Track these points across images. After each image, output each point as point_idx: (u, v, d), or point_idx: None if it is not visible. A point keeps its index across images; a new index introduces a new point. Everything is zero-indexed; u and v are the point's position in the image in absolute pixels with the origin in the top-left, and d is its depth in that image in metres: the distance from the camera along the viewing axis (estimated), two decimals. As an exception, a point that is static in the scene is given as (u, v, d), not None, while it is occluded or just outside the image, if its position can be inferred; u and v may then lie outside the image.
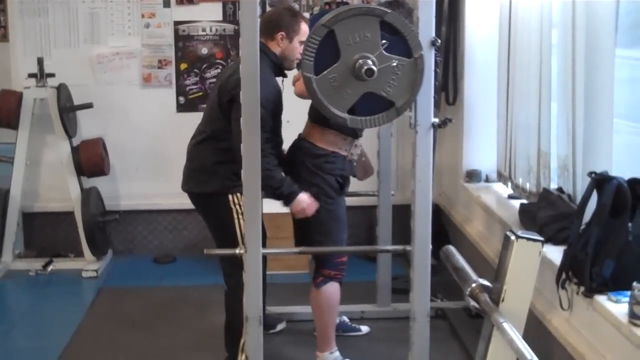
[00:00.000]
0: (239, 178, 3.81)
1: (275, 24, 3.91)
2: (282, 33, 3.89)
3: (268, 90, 3.65)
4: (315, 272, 4.04)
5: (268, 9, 5.95)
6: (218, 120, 3.90)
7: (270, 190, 3.76)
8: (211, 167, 3.91)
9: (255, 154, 3.06)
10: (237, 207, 3.85)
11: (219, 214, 3.92)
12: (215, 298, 4.09)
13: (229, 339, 4.03)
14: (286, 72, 4.02)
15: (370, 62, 2.85)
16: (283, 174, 3.80)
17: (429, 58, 3.00)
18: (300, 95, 3.94)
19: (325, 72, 2.90)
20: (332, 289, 4.00)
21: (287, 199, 3.82)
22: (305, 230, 3.95)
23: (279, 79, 3.94)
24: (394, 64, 2.89)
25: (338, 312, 4.18)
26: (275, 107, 3.80)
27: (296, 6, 6.03)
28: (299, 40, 3.89)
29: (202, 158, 3.97)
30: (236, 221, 3.86)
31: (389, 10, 2.90)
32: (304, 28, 3.93)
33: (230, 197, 3.87)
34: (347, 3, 6.02)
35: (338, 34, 2.87)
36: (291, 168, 3.90)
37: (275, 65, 3.91)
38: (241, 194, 3.80)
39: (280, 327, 4.61)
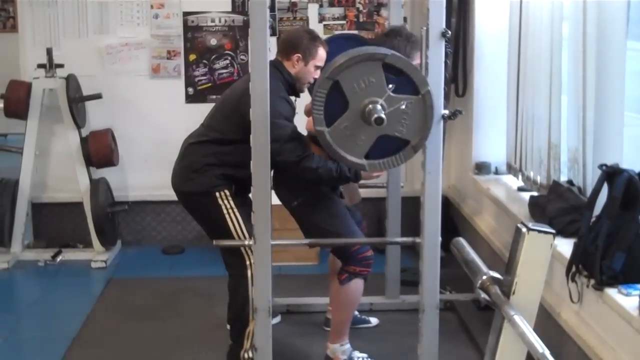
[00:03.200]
0: (226, 179, 3.85)
1: (293, 44, 3.94)
2: (299, 55, 3.92)
3: (285, 109, 3.78)
4: (341, 268, 4.01)
5: (277, 0, 5.98)
6: (222, 131, 3.92)
7: (335, 180, 3.85)
8: (201, 167, 3.91)
9: (263, 145, 3.06)
10: (225, 202, 3.86)
11: (209, 212, 3.93)
12: (223, 289, 4.09)
13: (233, 327, 4.03)
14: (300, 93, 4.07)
15: (379, 107, 2.86)
16: (330, 161, 3.78)
17: (439, 49, 2.99)
18: (310, 131, 3.94)
19: (336, 122, 2.92)
20: (356, 286, 3.99)
21: (356, 176, 3.86)
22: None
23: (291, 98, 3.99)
24: (403, 107, 2.89)
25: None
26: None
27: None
28: (315, 64, 3.93)
29: (194, 157, 3.97)
30: (227, 217, 3.86)
31: (389, 53, 2.91)
32: (321, 53, 3.95)
33: (217, 194, 3.87)
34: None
35: (343, 84, 2.89)
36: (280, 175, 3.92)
37: (289, 84, 3.94)
38: (228, 190, 3.84)
39: (275, 320, 4.56)
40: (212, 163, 3.89)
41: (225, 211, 3.87)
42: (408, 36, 3.99)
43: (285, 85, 3.91)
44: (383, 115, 2.84)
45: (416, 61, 3.87)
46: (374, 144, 2.95)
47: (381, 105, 2.87)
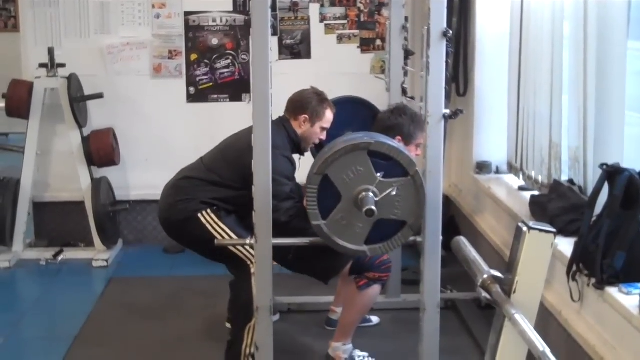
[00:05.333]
0: (208, 205, 3.89)
1: (301, 105, 4.01)
2: (306, 116, 3.99)
3: (287, 168, 3.83)
4: (359, 274, 3.99)
5: (279, 0, 5.98)
6: (222, 176, 3.96)
7: None
8: (190, 197, 3.95)
9: (265, 140, 3.06)
10: (209, 218, 3.89)
11: (196, 235, 3.93)
12: (224, 288, 4.10)
13: (235, 324, 4.04)
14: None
15: (371, 194, 2.89)
16: None
17: (441, 49, 3.00)
18: None
19: (332, 214, 2.96)
20: (374, 291, 4.00)
21: None
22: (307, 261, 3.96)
23: (295, 156, 4.04)
24: (394, 193, 2.92)
25: None
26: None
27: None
28: (321, 126, 4.01)
29: (186, 189, 3.99)
30: (214, 232, 3.88)
31: (372, 141, 2.93)
32: (328, 115, 4.02)
33: (199, 215, 3.89)
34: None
35: (332, 177, 2.93)
36: None
37: (293, 143, 4.00)
38: (210, 209, 3.87)
39: (274, 318, 4.56)
40: (201, 198, 3.93)
41: (210, 227, 3.89)
42: (412, 116, 4.00)
43: (290, 144, 3.98)
44: (374, 207, 2.86)
45: (419, 141, 3.91)
46: (372, 229, 2.99)
47: (372, 192, 2.90)
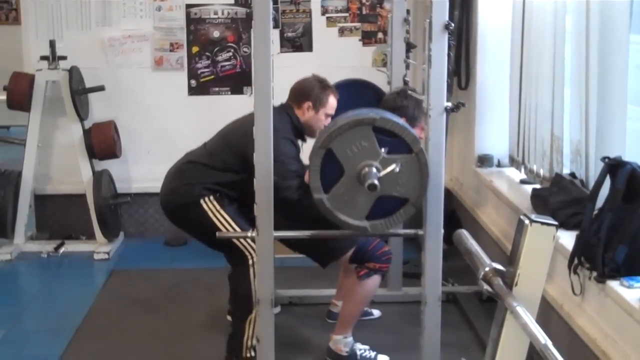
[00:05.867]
0: (211, 191, 3.90)
1: (304, 93, 4.02)
2: (309, 103, 3.99)
3: (291, 149, 3.84)
4: (360, 264, 3.99)
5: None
6: (225, 160, 3.97)
7: None
8: (191, 181, 3.97)
9: (266, 133, 3.06)
10: (210, 205, 3.90)
11: (197, 222, 3.96)
12: (225, 280, 4.10)
13: (235, 317, 4.04)
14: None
15: (374, 169, 2.90)
16: None
17: (443, 42, 2.99)
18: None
19: (334, 188, 2.97)
20: (374, 282, 4.00)
21: None
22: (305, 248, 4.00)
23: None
24: (397, 169, 2.91)
25: None
26: None
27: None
28: (325, 112, 4.01)
29: (189, 173, 4.02)
30: (215, 220, 3.89)
31: (377, 117, 2.94)
32: (332, 102, 4.02)
33: (201, 201, 3.91)
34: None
35: (336, 151, 2.94)
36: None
37: (296, 129, 4.00)
38: (213, 196, 3.87)
39: (275, 311, 4.57)
40: (204, 182, 3.95)
41: (212, 214, 3.90)
42: (417, 100, 3.98)
43: (293, 129, 3.98)
44: (376, 182, 2.87)
45: (423, 124, 3.91)
46: (373, 205, 2.99)
47: (376, 167, 2.90)
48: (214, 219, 3.89)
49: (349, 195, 2.96)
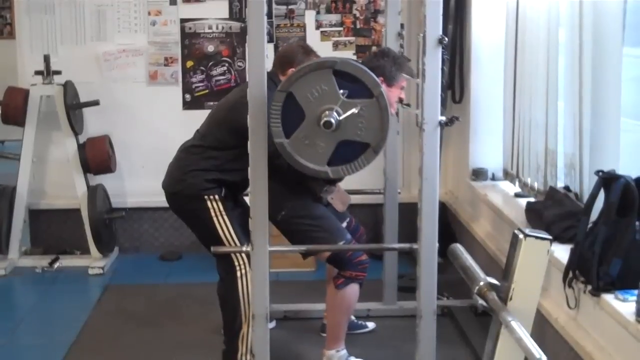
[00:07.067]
0: (217, 184, 3.90)
1: (288, 59, 4.01)
2: (293, 69, 3.94)
3: None
4: (337, 273, 4.00)
5: (275, 7, 5.98)
6: (217, 138, 3.97)
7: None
8: (194, 170, 3.97)
9: (261, 149, 3.06)
10: (215, 205, 3.90)
11: (198, 216, 3.97)
12: (220, 295, 4.10)
13: (226, 332, 4.04)
14: None
15: (335, 113, 2.89)
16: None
17: (436, 56, 3.00)
18: None
19: (295, 133, 2.96)
20: (352, 290, 4.00)
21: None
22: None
23: None
24: (356, 111, 2.91)
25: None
26: None
27: (302, 5, 6.04)
28: None
29: (188, 160, 4.03)
30: (215, 221, 3.90)
31: (338, 60, 2.94)
32: None
33: (206, 197, 3.91)
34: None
35: (297, 95, 2.93)
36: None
37: None
38: (218, 195, 3.87)
39: (270, 325, 4.56)
40: (205, 168, 3.94)
41: (213, 214, 3.91)
42: (395, 57, 4.07)
43: None
44: (332, 120, 2.87)
45: (402, 83, 3.96)
46: (335, 151, 2.98)
47: (336, 111, 2.90)
48: (214, 219, 3.90)
49: (310, 139, 2.95)
